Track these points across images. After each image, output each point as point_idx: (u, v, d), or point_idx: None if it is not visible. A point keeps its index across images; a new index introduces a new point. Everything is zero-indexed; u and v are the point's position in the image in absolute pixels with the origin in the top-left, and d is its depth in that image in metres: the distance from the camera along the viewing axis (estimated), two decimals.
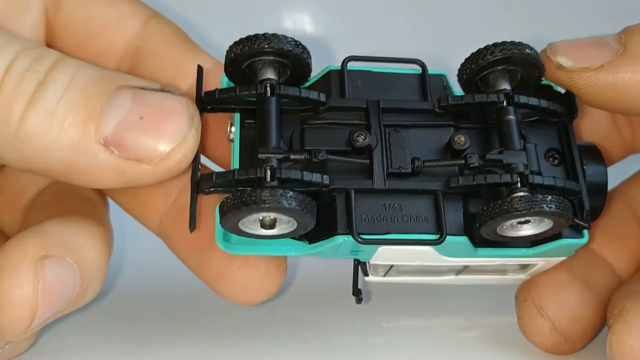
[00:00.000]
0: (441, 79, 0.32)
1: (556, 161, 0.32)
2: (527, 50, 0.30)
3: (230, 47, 0.30)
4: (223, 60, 0.33)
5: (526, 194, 0.28)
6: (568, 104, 0.32)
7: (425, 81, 0.32)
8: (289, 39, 0.29)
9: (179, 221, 0.34)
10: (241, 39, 0.29)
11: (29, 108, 0.26)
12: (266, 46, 0.29)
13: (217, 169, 0.33)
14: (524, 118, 0.32)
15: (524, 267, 0.34)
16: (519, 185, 0.29)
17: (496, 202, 0.28)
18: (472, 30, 0.56)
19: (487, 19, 0.56)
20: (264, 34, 0.29)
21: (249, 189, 0.27)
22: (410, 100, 0.31)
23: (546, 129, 0.32)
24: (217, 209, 0.28)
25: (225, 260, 0.32)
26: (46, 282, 0.28)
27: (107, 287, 0.39)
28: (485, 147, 0.31)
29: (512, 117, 0.30)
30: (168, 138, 0.27)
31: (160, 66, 0.34)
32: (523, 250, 0.31)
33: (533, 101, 0.31)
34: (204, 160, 0.32)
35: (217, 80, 0.32)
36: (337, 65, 0.32)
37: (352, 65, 0.32)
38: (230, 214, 0.27)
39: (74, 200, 0.35)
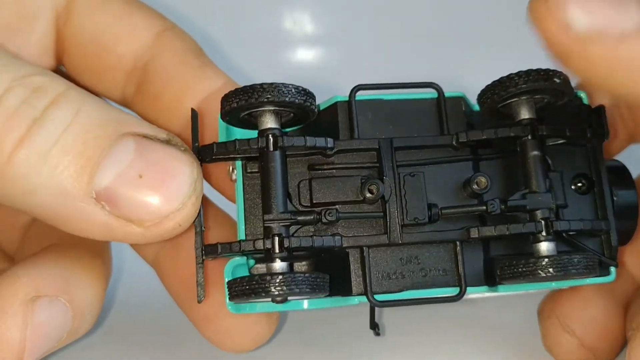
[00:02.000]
0: (459, 102, 0.29)
1: (584, 188, 0.30)
2: (554, 79, 0.27)
3: (226, 97, 0.27)
4: (235, 78, 0.32)
5: (551, 253, 0.27)
6: (598, 122, 0.30)
7: (442, 109, 0.29)
8: (290, 88, 0.27)
9: (173, 257, 0.32)
10: (237, 91, 0.27)
11: (19, 146, 0.24)
12: (265, 100, 0.26)
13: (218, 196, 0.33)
14: (549, 140, 0.29)
15: None
16: (544, 233, 0.27)
17: (519, 261, 0.26)
18: (479, 28, 0.56)
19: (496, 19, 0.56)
20: (262, 86, 0.26)
21: (256, 275, 0.26)
22: (426, 136, 0.28)
23: (574, 151, 0.30)
24: (225, 286, 0.27)
25: (215, 305, 0.30)
26: (35, 325, 0.27)
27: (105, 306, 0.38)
28: (508, 181, 0.29)
29: (537, 153, 0.28)
30: (165, 203, 0.25)
31: (168, 84, 0.33)
32: (546, 284, 0.30)
33: (560, 131, 0.28)
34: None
35: None
36: (344, 93, 0.29)
37: (361, 93, 0.29)
38: (241, 299, 0.26)
39: None
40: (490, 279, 0.28)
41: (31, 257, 0.30)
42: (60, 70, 0.35)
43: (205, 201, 0.30)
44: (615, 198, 0.29)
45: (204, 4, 0.53)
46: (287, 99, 0.26)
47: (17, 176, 0.24)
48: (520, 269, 0.26)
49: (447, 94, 0.29)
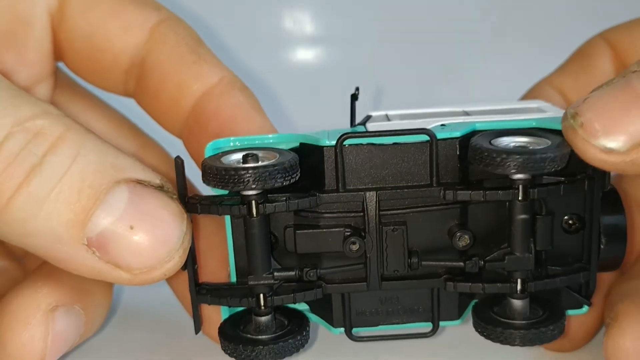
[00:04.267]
0: (453, 144, 0.28)
1: (574, 227, 0.29)
2: (553, 167, 0.26)
3: (204, 174, 0.27)
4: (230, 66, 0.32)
5: (524, 311, 0.28)
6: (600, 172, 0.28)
7: (433, 157, 0.28)
8: (277, 173, 0.26)
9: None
10: (216, 175, 0.26)
11: (17, 194, 0.25)
12: (252, 187, 0.26)
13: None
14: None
15: None
16: (518, 293, 0.28)
17: (493, 328, 0.28)
18: (480, 28, 0.56)
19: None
20: (246, 175, 0.26)
21: (241, 346, 0.28)
22: (413, 187, 0.28)
23: (571, 190, 0.28)
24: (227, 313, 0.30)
25: (217, 307, 0.31)
26: (55, 333, 0.28)
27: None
28: (494, 232, 0.29)
29: (524, 217, 0.27)
30: (153, 254, 0.26)
31: (164, 82, 0.33)
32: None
33: (554, 191, 0.27)
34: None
35: (224, 95, 0.32)
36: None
37: (349, 139, 0.28)
38: (231, 356, 0.28)
39: None
40: (463, 308, 0.30)
41: (46, 265, 0.30)
42: (61, 67, 0.35)
43: (199, 224, 0.31)
44: (602, 242, 0.29)
45: (204, 4, 0.53)
46: (273, 185, 0.26)
47: (15, 220, 0.25)
48: (492, 336, 0.28)
49: (440, 136, 0.28)
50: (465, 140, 0.28)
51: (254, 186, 0.26)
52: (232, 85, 0.33)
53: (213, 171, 0.26)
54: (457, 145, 0.28)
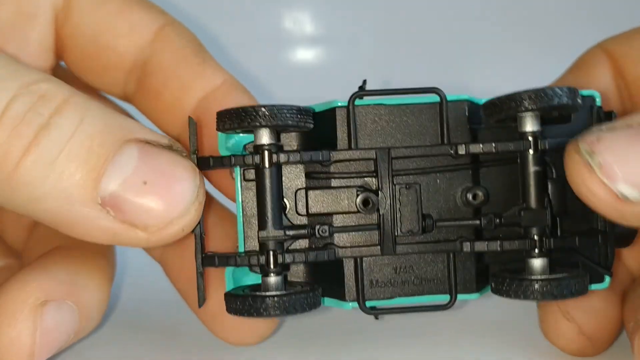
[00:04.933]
0: (462, 107, 0.29)
1: None
2: (564, 100, 0.26)
3: (219, 116, 0.27)
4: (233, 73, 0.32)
5: (544, 270, 0.27)
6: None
7: (443, 116, 0.28)
8: (289, 111, 0.27)
9: (180, 255, 0.33)
10: (231, 113, 0.27)
11: (26, 155, 0.24)
12: (258, 124, 0.26)
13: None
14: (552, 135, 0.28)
15: None
16: (536, 251, 0.27)
17: (512, 281, 0.27)
18: (480, 28, 0.56)
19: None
20: (259, 111, 0.26)
21: (250, 297, 0.27)
22: (425, 146, 0.28)
23: None
24: (231, 283, 0.29)
25: (220, 302, 0.30)
26: (44, 328, 0.28)
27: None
28: (507, 191, 0.29)
29: (537, 168, 0.27)
30: (169, 209, 0.26)
31: (167, 82, 0.33)
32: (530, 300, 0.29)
33: (563, 143, 0.27)
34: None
35: (226, 97, 0.32)
36: (343, 95, 0.29)
37: (360, 98, 0.28)
38: (235, 314, 0.27)
39: None
40: (482, 284, 0.29)
41: (38, 261, 0.30)
42: (60, 66, 0.35)
43: (206, 199, 0.31)
44: None
45: (204, 4, 0.53)
46: (280, 122, 0.26)
47: (24, 183, 0.24)
48: (512, 289, 0.27)
49: (449, 98, 0.28)
50: (474, 106, 0.29)
51: (268, 122, 0.26)
52: (234, 87, 0.33)
53: (229, 112, 0.27)
54: (466, 107, 0.29)
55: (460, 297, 0.28)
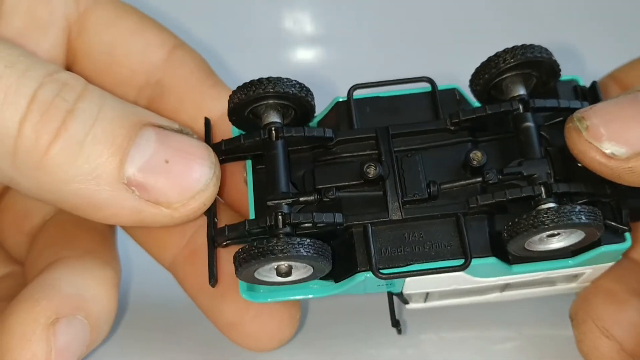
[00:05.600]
0: (453, 92, 0.31)
1: None
2: (539, 53, 0.29)
3: (231, 94, 0.29)
4: (235, 78, 0.33)
5: (553, 205, 0.27)
6: (593, 97, 0.30)
7: (436, 98, 0.30)
8: (292, 81, 0.29)
9: (191, 263, 0.33)
10: (241, 86, 0.29)
11: (57, 139, 0.25)
12: (269, 91, 0.28)
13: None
14: (546, 121, 0.30)
15: (572, 277, 0.32)
16: (543, 196, 0.27)
17: (520, 217, 0.27)
18: (479, 28, 0.56)
19: (490, 22, 0.56)
20: (265, 79, 0.29)
21: (264, 239, 0.27)
22: (421, 122, 0.30)
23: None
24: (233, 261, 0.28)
25: (239, 310, 0.31)
26: (58, 347, 0.28)
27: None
28: (505, 159, 0.29)
29: (529, 124, 0.29)
30: (191, 184, 0.27)
31: (182, 102, 0.34)
32: (562, 262, 0.29)
33: (551, 102, 0.29)
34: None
35: None
36: (344, 94, 0.31)
37: (360, 93, 0.31)
38: (245, 265, 0.27)
39: (81, 233, 0.34)
40: (499, 253, 0.29)
41: (43, 275, 0.30)
42: None
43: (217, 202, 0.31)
44: None
45: (204, 4, 0.53)
46: (288, 90, 0.28)
47: (54, 167, 0.26)
48: (521, 225, 0.27)
49: (440, 87, 0.31)
50: (463, 98, 0.31)
51: (270, 89, 0.28)
52: None
53: (237, 87, 0.29)
54: (457, 93, 0.31)
55: (475, 261, 0.28)
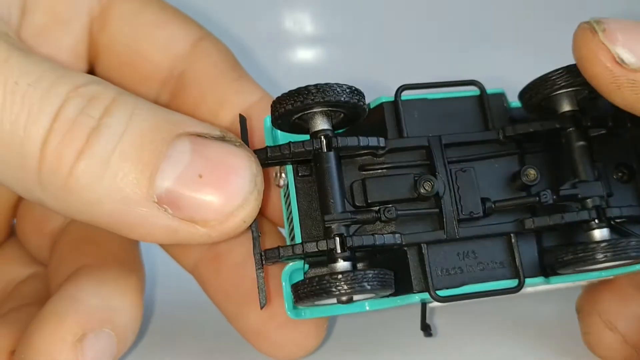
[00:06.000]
0: (500, 98, 0.30)
1: (625, 177, 0.30)
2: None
3: (277, 100, 0.27)
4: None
5: (607, 235, 0.28)
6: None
7: (485, 105, 0.29)
8: (342, 87, 0.27)
9: (215, 267, 0.32)
10: (289, 94, 0.27)
11: (80, 158, 0.24)
12: (317, 101, 0.26)
13: None
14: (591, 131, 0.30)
15: None
16: (596, 221, 0.28)
17: (575, 247, 0.27)
18: (479, 26, 0.56)
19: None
20: (313, 88, 0.26)
21: (325, 275, 0.26)
22: (473, 132, 0.29)
23: (614, 141, 0.30)
24: (289, 287, 0.27)
25: (264, 319, 0.30)
26: None
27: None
28: (555, 175, 0.29)
29: (582, 143, 0.28)
30: (228, 201, 0.25)
31: (204, 95, 0.32)
32: (597, 274, 0.30)
33: (603, 121, 0.29)
34: None
35: (264, 114, 0.30)
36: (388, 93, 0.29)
37: (404, 94, 0.29)
38: (307, 301, 0.26)
39: (104, 236, 0.33)
40: (544, 270, 0.29)
41: (67, 287, 0.29)
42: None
43: None
44: None
45: (204, 4, 0.53)
46: (340, 98, 0.26)
47: (80, 187, 0.24)
48: (579, 255, 0.27)
49: (488, 91, 0.30)
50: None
51: (321, 98, 0.26)
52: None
53: (283, 95, 0.27)
54: (504, 99, 0.30)
55: (528, 281, 0.28)
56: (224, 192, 0.25)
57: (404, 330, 0.35)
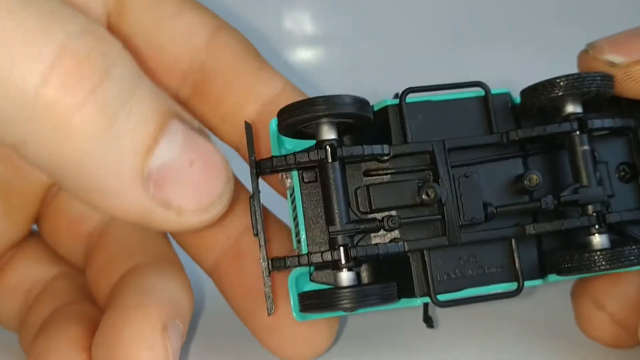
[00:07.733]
0: (505, 98, 0.30)
1: (627, 176, 0.31)
2: (598, 81, 0.28)
3: (282, 111, 0.27)
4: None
5: (606, 242, 0.28)
6: (638, 111, 0.31)
7: (490, 108, 0.29)
8: (348, 99, 0.27)
9: (237, 265, 0.31)
10: (293, 106, 0.27)
11: (89, 99, 0.22)
12: (322, 114, 0.27)
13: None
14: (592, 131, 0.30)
15: None
16: (596, 227, 0.28)
17: (575, 255, 0.28)
18: (479, 26, 0.56)
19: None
20: (319, 100, 0.27)
21: (328, 290, 0.27)
22: (477, 136, 0.29)
23: (616, 140, 0.31)
24: (295, 291, 0.28)
25: (277, 315, 0.29)
26: (173, 352, 0.27)
27: None
28: (556, 176, 0.30)
29: (586, 147, 0.29)
30: (209, 194, 0.25)
31: (229, 86, 0.31)
32: (595, 273, 0.30)
33: (607, 123, 0.29)
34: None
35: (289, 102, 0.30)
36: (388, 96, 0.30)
37: (409, 97, 0.29)
38: (311, 312, 0.27)
39: (145, 237, 0.33)
40: (544, 271, 0.29)
41: (135, 281, 0.29)
42: None
43: (264, 212, 0.30)
44: None
45: (203, 3, 0.53)
46: (347, 111, 0.27)
47: (78, 132, 0.22)
48: (576, 264, 0.28)
49: (492, 92, 0.30)
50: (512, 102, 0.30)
51: (326, 111, 0.26)
52: (296, 92, 0.32)
53: (288, 106, 0.27)
54: (509, 100, 0.30)
55: (527, 283, 0.29)
56: (208, 185, 0.25)
57: (410, 332, 0.35)
